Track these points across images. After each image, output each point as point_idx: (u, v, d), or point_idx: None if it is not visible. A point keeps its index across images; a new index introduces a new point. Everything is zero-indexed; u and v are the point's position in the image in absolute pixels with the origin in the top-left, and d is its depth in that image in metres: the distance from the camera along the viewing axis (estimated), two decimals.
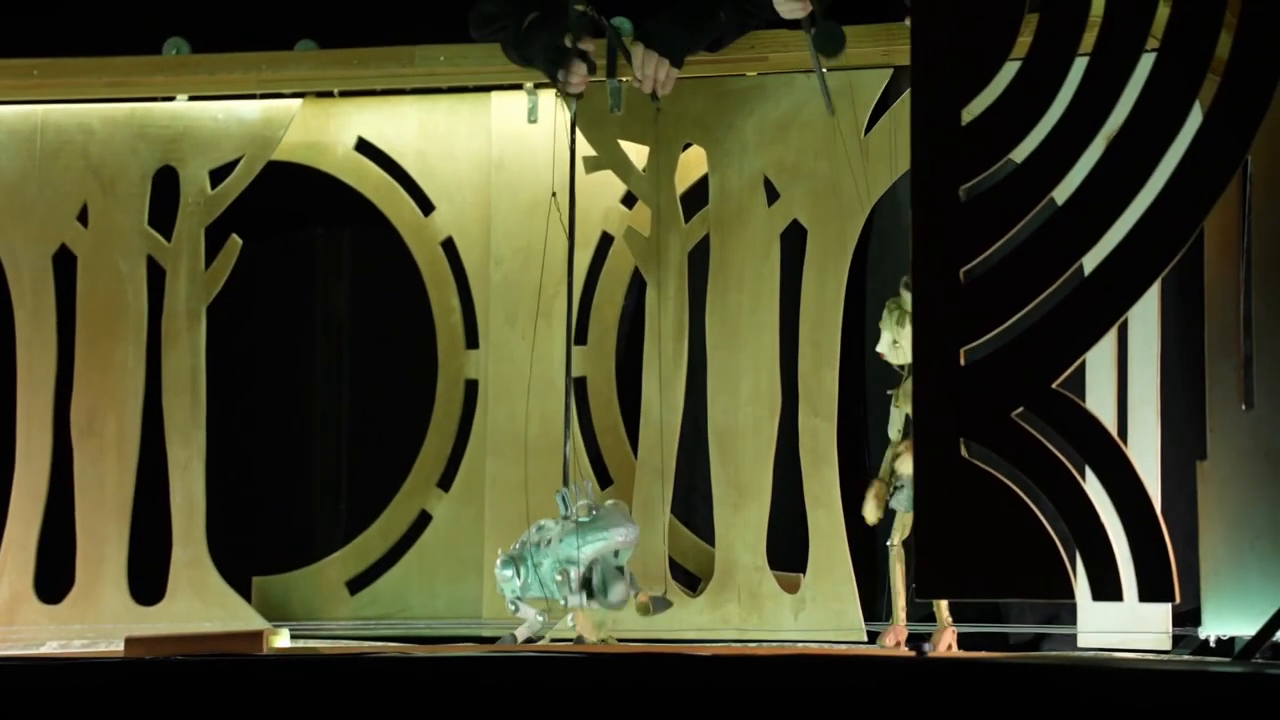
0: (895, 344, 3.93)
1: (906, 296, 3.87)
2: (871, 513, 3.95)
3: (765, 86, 4.33)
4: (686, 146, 4.40)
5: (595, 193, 4.47)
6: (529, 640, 3.99)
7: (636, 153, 4.41)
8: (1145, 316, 3.99)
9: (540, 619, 3.97)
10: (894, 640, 3.93)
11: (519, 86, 4.45)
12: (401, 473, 4.59)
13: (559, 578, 3.90)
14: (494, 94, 4.52)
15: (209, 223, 4.48)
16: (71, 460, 4.47)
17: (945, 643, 3.88)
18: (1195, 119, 3.49)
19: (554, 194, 4.26)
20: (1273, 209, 3.64)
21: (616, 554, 3.94)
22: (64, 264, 4.51)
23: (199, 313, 4.47)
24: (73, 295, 4.50)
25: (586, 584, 3.91)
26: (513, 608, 3.98)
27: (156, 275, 4.49)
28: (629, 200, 4.49)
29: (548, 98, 4.44)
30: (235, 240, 4.49)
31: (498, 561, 3.98)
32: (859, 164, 4.26)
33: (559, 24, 4.09)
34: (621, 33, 4.16)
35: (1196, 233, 3.49)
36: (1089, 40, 3.56)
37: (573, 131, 4.19)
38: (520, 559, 3.94)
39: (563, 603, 3.92)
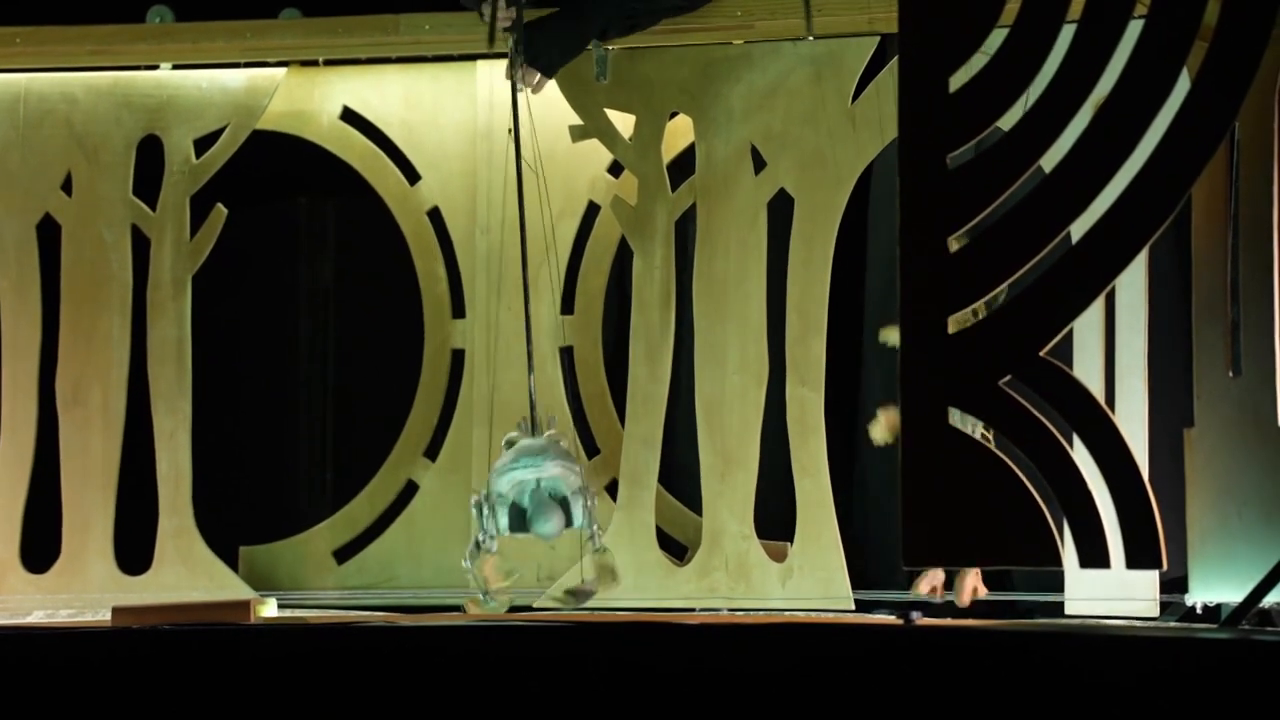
0: None
1: None
2: (880, 432, 3.93)
3: (752, 55, 4.32)
4: (673, 115, 4.38)
5: (582, 161, 4.46)
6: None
7: (623, 121, 4.40)
8: (1133, 284, 3.98)
9: (489, 603, 4.01)
10: (929, 587, 3.92)
11: (505, 55, 4.43)
12: (388, 442, 4.58)
13: (487, 512, 3.95)
14: (480, 63, 4.50)
15: (194, 192, 4.46)
16: (57, 430, 4.45)
17: (970, 585, 3.89)
18: (1183, 86, 3.48)
19: (509, 130, 4.23)
20: (1260, 176, 3.63)
21: (555, 486, 3.94)
22: (48, 233, 4.50)
23: (184, 282, 4.45)
24: (57, 265, 4.48)
25: (521, 512, 3.92)
26: (466, 564, 4.01)
27: (141, 245, 4.48)
28: (615, 169, 4.48)
29: None
30: (220, 209, 4.47)
31: (471, 503, 4.01)
32: (846, 133, 4.25)
33: None
34: None
35: (1184, 200, 3.49)
36: (1077, 7, 3.55)
37: (514, 88, 4.20)
38: (485, 495, 3.96)
39: (487, 539, 3.95)
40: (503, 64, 4.40)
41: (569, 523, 3.96)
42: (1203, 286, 3.76)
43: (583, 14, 4.18)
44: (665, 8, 4.21)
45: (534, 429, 4.05)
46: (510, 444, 4.02)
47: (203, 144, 4.48)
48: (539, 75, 4.20)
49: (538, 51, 4.17)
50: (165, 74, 4.49)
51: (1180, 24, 3.45)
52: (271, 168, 4.66)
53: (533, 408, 4.11)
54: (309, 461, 4.88)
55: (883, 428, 3.92)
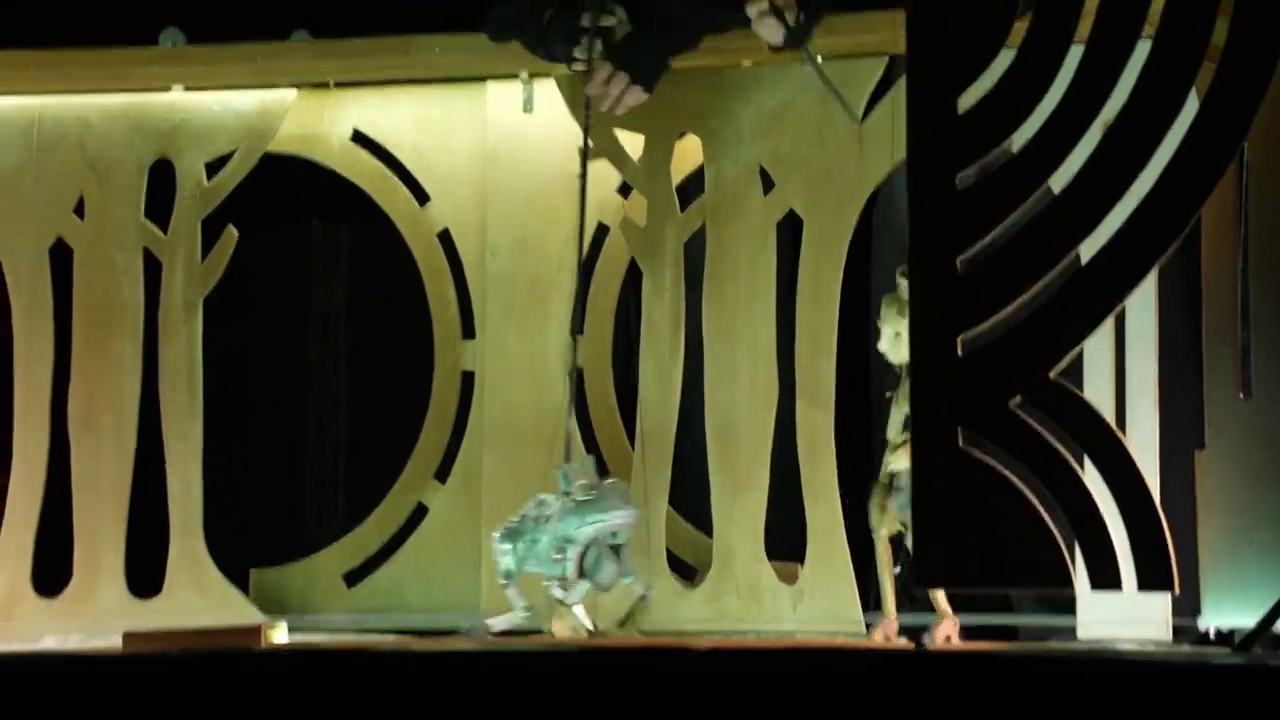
0: (897, 335, 3.91)
1: (904, 286, 3.86)
2: (877, 521, 3.94)
3: (760, 76, 4.31)
4: (682, 136, 4.39)
5: (591, 183, 4.45)
6: (505, 632, 4.00)
7: (632, 142, 4.40)
8: (1143, 305, 3.97)
9: (524, 614, 3.97)
10: (883, 636, 3.92)
11: (515, 76, 4.45)
12: (398, 465, 4.57)
13: (556, 555, 3.91)
14: (489, 84, 4.50)
15: (205, 215, 4.47)
16: (69, 454, 4.46)
17: (944, 633, 3.88)
18: (1192, 107, 3.48)
19: (581, 176, 4.22)
20: (1269, 197, 3.63)
21: (614, 535, 3.96)
22: (61, 257, 4.51)
23: (195, 305, 4.46)
24: (69, 289, 4.49)
25: (579, 563, 3.92)
26: (503, 583, 3.97)
27: (153, 268, 4.48)
28: (625, 190, 4.48)
29: (544, 87, 4.44)
30: (231, 232, 4.48)
31: (496, 534, 3.97)
32: (854, 153, 4.25)
33: (574, 13, 4.12)
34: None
35: (1193, 221, 3.48)
36: (1084, 28, 3.54)
37: (587, 109, 4.18)
38: (518, 533, 3.94)
39: (557, 584, 3.92)
40: (510, 85, 4.43)
41: (622, 572, 3.97)
42: (1213, 308, 3.75)
43: (666, 26, 4.14)
44: (729, 21, 4.16)
45: (567, 456, 4.05)
46: (565, 478, 4.00)
47: (214, 167, 4.49)
48: (638, 91, 4.14)
49: (637, 64, 4.12)
50: (178, 97, 4.51)
51: (1188, 45, 3.44)
52: (282, 190, 4.67)
53: (568, 449, 4.11)
54: (319, 484, 4.89)
55: (878, 517, 3.91)
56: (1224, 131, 3.42)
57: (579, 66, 4.17)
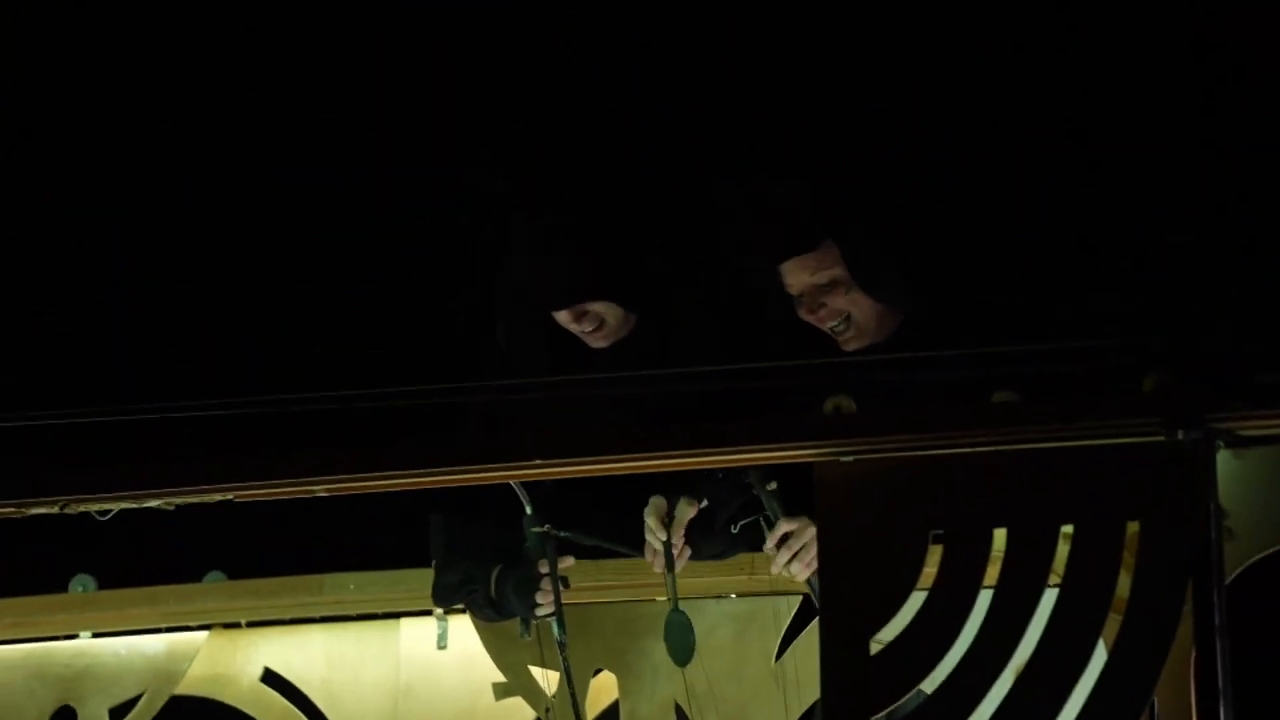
0: None
1: None
2: None
3: None
4: (597, 672, 4.36)
5: (504, 719, 4.41)
6: None
7: (548, 678, 4.37)
8: None
9: None
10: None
11: (429, 613, 4.44)
12: None
13: None
14: (403, 620, 4.49)
15: None
16: None
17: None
18: (1101, 656, 3.49)
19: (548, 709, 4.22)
20: None
21: None
22: None
23: None
24: None
25: None
26: None
27: None
28: None
29: (458, 623, 4.43)
30: None
31: None
32: (770, 691, 4.23)
33: (524, 564, 4.14)
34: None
35: None
36: (993, 574, 3.58)
37: (563, 652, 4.16)
38: None
39: None
40: (424, 622, 4.42)
41: None
42: None
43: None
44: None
45: None
46: None
47: (119, 711, 4.41)
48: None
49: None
50: (83, 643, 4.47)
51: (1094, 596, 3.48)
52: None
53: None
54: None
55: None
56: (1133, 683, 3.43)
57: (544, 613, 4.17)
